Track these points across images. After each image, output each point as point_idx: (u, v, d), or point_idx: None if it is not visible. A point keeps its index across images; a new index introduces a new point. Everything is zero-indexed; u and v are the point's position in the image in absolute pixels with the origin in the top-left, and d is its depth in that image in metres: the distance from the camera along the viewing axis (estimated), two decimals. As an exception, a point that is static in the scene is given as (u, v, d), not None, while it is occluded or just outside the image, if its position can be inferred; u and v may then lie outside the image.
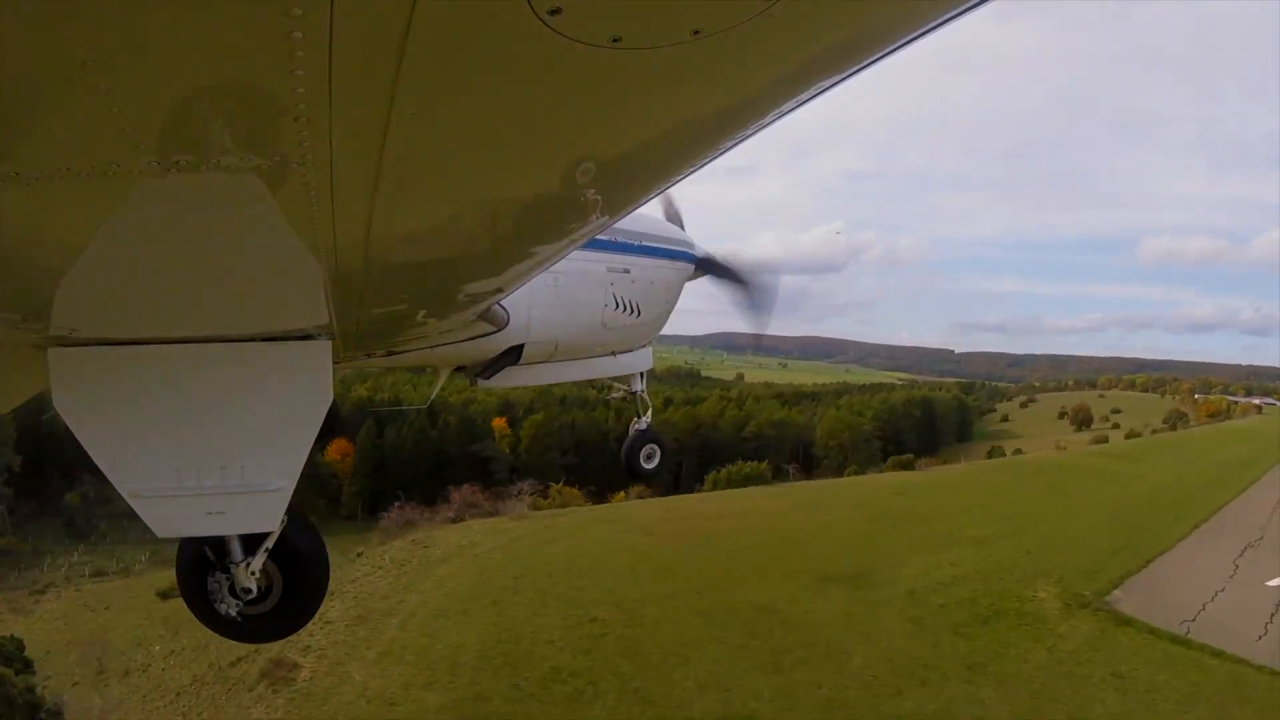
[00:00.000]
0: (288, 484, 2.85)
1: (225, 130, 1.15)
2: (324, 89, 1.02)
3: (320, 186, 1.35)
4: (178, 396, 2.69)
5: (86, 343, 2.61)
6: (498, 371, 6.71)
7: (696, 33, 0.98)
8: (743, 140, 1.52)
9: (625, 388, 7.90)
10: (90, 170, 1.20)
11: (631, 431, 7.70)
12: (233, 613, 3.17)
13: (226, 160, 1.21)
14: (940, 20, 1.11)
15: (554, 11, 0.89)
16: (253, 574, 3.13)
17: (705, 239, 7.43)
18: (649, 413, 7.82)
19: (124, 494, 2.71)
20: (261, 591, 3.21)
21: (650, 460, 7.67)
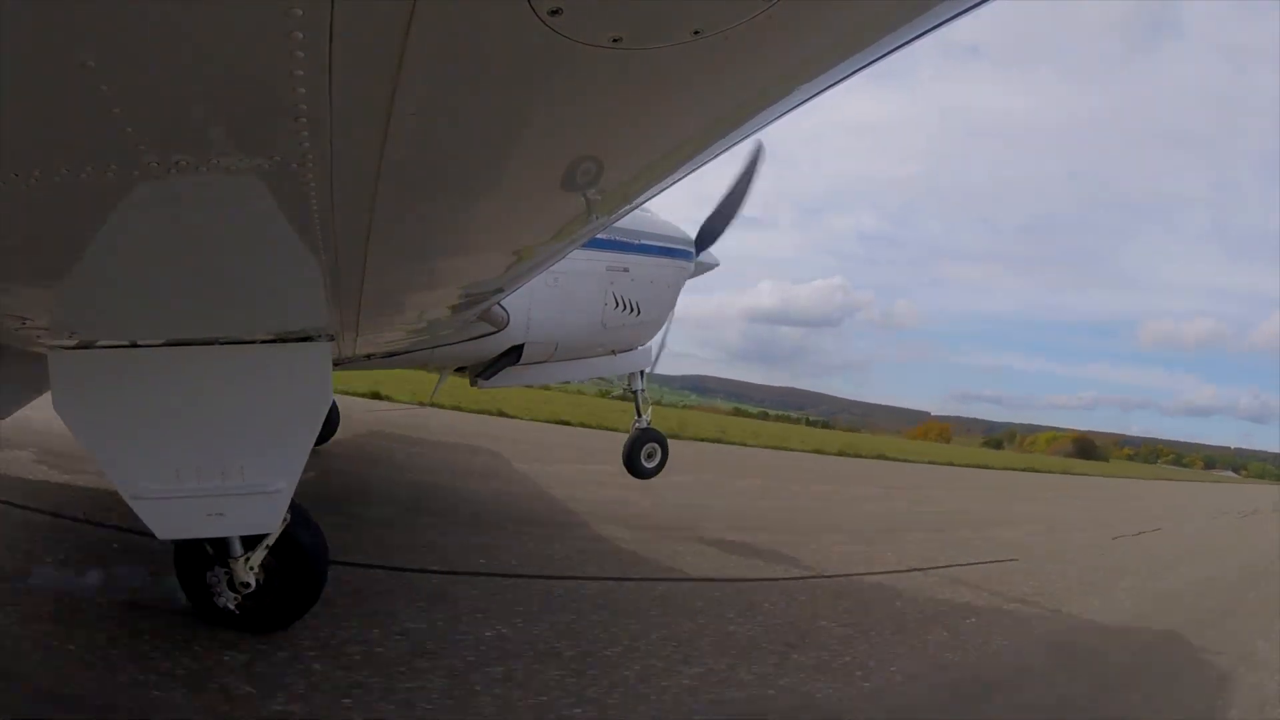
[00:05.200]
0: (288, 485, 2.85)
1: (225, 130, 1.14)
2: (324, 89, 1.02)
3: (320, 186, 1.35)
4: (178, 398, 2.69)
5: (86, 345, 2.61)
6: (498, 372, 6.71)
7: (697, 33, 0.97)
8: (744, 139, 1.52)
9: (626, 386, 7.89)
10: (90, 170, 1.20)
11: (633, 430, 7.67)
12: (231, 606, 3.19)
13: (226, 161, 1.21)
14: (943, 20, 1.11)
15: (554, 12, 0.89)
16: (252, 569, 3.15)
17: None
18: (650, 410, 7.81)
19: (124, 496, 2.71)
20: (260, 584, 3.23)
21: (651, 459, 7.65)
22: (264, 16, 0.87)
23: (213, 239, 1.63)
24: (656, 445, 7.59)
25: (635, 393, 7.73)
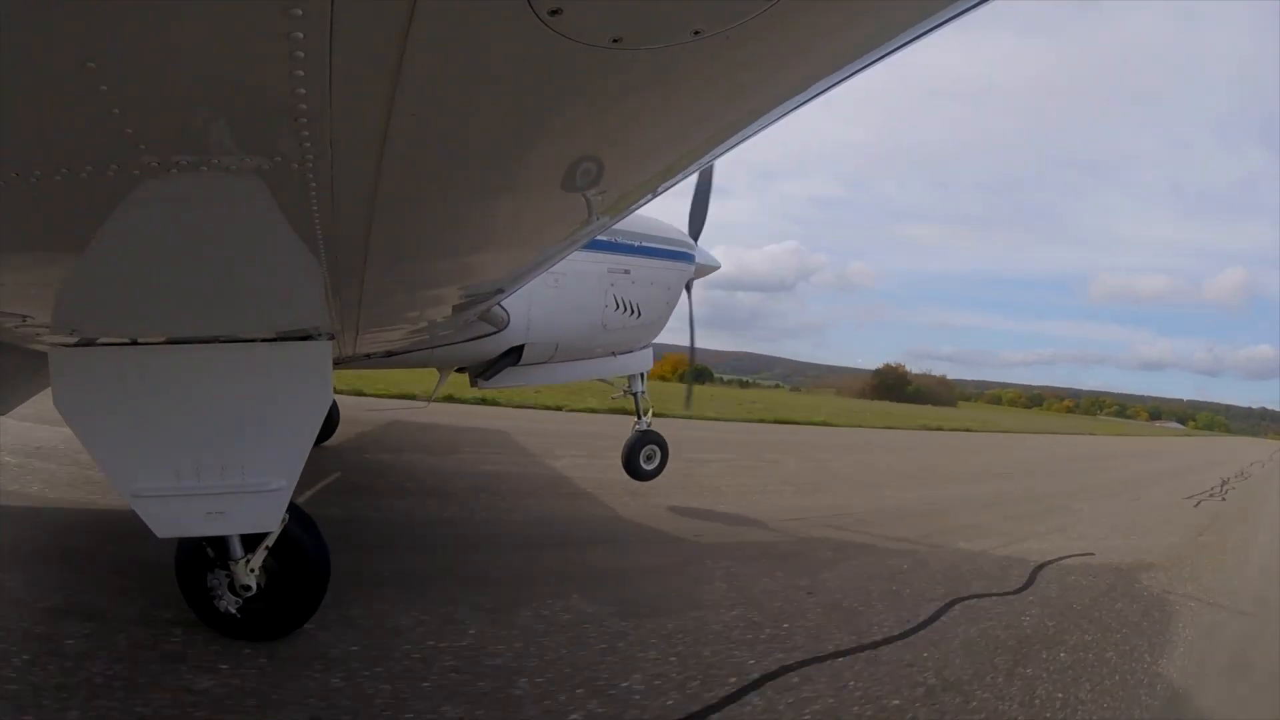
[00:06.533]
0: (288, 484, 2.85)
1: (226, 130, 1.15)
2: (324, 88, 1.02)
3: (320, 186, 1.35)
4: (178, 396, 2.70)
5: (87, 342, 2.61)
6: (498, 372, 6.71)
7: (697, 33, 0.97)
8: (744, 140, 1.52)
9: (626, 388, 7.89)
10: (90, 170, 1.20)
11: (632, 432, 7.67)
12: (233, 610, 3.17)
13: (226, 160, 1.21)
14: (944, 19, 1.11)
15: (554, 12, 0.89)
16: (252, 571, 3.14)
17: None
18: (650, 413, 7.80)
19: (124, 494, 2.71)
20: (261, 588, 3.22)
21: (650, 461, 7.64)
22: (264, 16, 0.87)
23: (213, 238, 1.64)
24: (656, 447, 7.59)
25: (635, 395, 7.73)
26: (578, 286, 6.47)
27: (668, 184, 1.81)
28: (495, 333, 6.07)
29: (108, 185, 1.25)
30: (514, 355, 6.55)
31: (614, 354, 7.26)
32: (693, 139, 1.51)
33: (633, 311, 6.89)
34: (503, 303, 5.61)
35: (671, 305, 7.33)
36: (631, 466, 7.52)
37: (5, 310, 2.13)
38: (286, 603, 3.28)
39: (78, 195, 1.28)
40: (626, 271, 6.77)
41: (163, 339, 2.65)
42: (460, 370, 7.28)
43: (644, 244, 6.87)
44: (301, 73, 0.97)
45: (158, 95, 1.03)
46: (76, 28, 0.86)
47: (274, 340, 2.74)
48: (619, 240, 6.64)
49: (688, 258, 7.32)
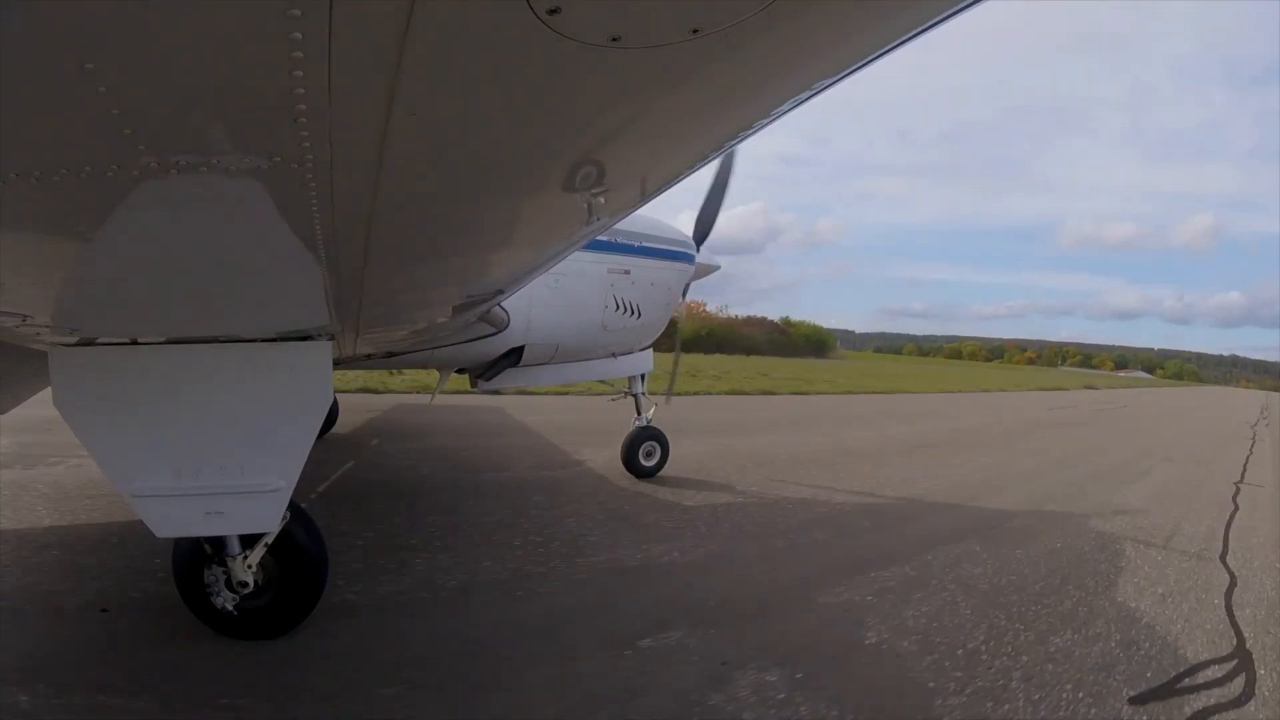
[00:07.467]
0: (287, 484, 2.86)
1: (225, 130, 1.15)
2: (324, 89, 1.02)
3: (320, 187, 1.35)
4: (178, 396, 2.70)
5: (87, 342, 2.61)
6: (499, 373, 6.71)
7: (696, 31, 0.97)
8: (744, 139, 1.52)
9: (626, 389, 7.88)
10: (89, 170, 1.20)
11: (632, 428, 7.67)
12: (230, 607, 3.18)
13: (226, 160, 1.21)
14: (942, 17, 1.11)
15: (553, 11, 0.89)
16: (250, 568, 3.14)
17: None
18: (652, 410, 7.80)
19: (123, 494, 2.71)
20: (259, 586, 3.22)
21: (650, 458, 7.63)
22: (263, 16, 0.87)
23: (213, 239, 1.64)
24: (655, 444, 7.58)
25: (635, 396, 7.72)
26: (578, 287, 6.47)
27: (668, 184, 1.81)
28: (495, 333, 6.07)
29: (107, 185, 1.25)
30: (514, 356, 6.56)
31: (614, 355, 7.26)
32: (692, 138, 1.51)
33: (633, 312, 6.89)
34: (503, 304, 5.61)
35: (671, 306, 7.33)
36: (631, 463, 7.50)
37: (5, 310, 2.13)
38: (284, 600, 3.29)
39: (77, 195, 1.28)
40: (627, 272, 6.77)
41: (163, 339, 2.66)
42: (460, 371, 7.28)
43: (644, 244, 6.87)
44: (301, 73, 0.97)
45: (157, 95, 1.03)
46: (75, 27, 0.86)
47: (274, 340, 2.75)
48: (619, 240, 6.64)
49: (688, 258, 7.32)
